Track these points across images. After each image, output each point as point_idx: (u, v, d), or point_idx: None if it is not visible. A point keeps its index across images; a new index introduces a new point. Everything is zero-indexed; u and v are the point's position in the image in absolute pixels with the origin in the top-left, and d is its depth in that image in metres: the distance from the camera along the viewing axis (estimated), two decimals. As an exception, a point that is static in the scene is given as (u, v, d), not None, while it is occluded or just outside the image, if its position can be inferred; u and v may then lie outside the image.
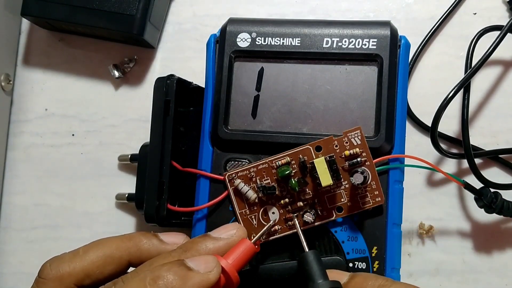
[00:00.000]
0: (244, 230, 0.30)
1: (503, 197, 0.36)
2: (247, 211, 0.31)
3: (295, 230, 0.30)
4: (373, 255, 0.31)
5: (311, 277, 0.27)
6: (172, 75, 0.35)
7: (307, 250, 0.28)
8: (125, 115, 0.43)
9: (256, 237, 0.29)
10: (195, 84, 0.38)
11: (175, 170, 0.34)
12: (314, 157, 0.30)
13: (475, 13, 0.41)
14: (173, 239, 0.30)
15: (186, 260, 0.26)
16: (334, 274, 0.28)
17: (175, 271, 0.25)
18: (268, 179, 0.31)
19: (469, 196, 0.38)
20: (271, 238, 0.31)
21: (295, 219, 0.30)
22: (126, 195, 0.40)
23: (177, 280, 0.24)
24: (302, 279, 0.28)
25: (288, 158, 0.31)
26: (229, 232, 0.29)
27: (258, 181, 0.31)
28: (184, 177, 0.34)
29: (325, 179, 0.29)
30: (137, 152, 0.39)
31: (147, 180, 0.34)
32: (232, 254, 0.28)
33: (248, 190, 0.31)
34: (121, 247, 0.28)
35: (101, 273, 0.27)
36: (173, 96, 0.35)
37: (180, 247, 0.29)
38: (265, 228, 0.30)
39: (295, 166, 0.31)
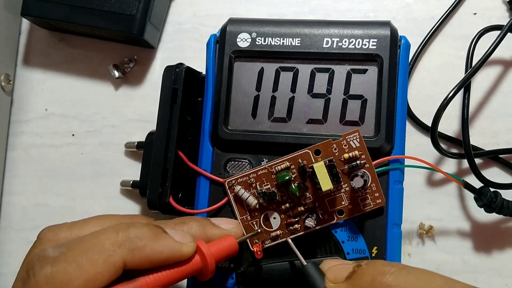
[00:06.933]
0: (242, 230, 0.30)
1: (502, 196, 0.36)
2: (248, 217, 0.31)
3: (297, 234, 0.31)
4: (373, 255, 0.31)
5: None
6: (181, 64, 0.35)
7: (305, 263, 0.28)
8: (125, 115, 0.43)
9: (241, 239, 0.29)
10: (204, 74, 0.37)
11: (180, 160, 0.34)
12: (314, 161, 0.30)
13: (475, 13, 0.41)
14: None
15: (165, 229, 0.26)
16: (335, 272, 0.27)
17: (151, 227, 0.25)
18: (268, 185, 0.31)
19: (469, 196, 0.38)
20: (274, 243, 0.31)
21: (289, 240, 0.29)
22: (131, 182, 0.40)
23: (149, 233, 0.25)
24: None
25: (288, 163, 0.30)
26: (228, 225, 0.30)
27: (258, 186, 0.31)
28: (189, 168, 0.34)
29: (325, 183, 0.29)
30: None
31: (151, 167, 0.34)
32: (215, 245, 0.28)
33: (249, 196, 0.31)
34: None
35: None
36: (181, 84, 0.34)
37: (179, 218, 0.29)
38: (251, 233, 0.30)
39: (294, 170, 0.31)
